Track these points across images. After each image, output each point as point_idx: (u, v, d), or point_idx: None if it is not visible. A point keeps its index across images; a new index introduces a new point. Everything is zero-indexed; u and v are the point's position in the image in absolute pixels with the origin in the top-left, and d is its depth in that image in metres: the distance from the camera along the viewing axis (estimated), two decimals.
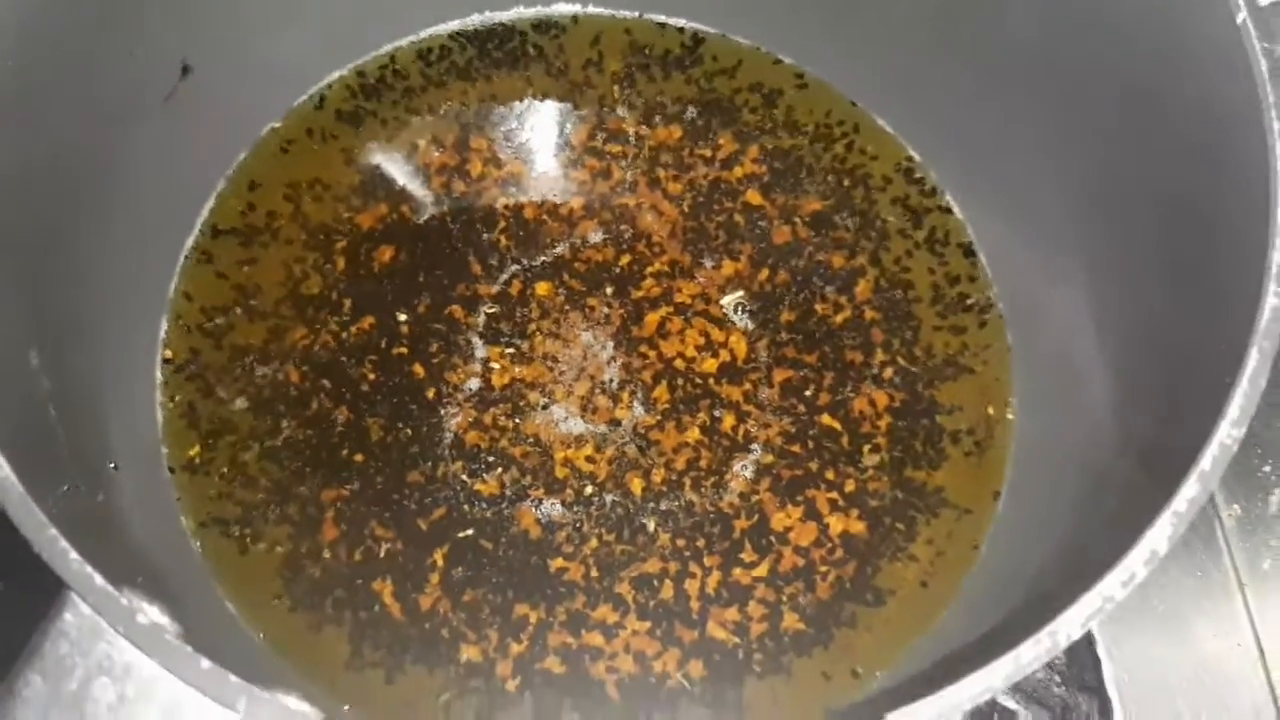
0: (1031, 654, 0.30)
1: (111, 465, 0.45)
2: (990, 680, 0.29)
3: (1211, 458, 0.31)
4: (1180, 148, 0.39)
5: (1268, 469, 0.56)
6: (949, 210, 0.55)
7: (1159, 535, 0.31)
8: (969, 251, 0.54)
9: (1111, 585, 0.30)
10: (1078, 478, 0.44)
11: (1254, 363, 0.32)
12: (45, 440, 0.39)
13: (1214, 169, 0.37)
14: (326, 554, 0.49)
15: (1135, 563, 0.31)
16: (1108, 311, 0.45)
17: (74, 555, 0.31)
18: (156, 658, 0.30)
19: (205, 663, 0.30)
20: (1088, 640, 0.53)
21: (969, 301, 0.54)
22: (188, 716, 0.30)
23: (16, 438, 0.33)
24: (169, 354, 0.51)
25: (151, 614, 0.30)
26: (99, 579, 0.30)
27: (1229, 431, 0.32)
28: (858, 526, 0.50)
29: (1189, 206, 0.39)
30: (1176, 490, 0.31)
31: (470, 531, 0.49)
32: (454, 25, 0.57)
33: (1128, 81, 0.43)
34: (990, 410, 0.52)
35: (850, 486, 0.51)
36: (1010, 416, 0.52)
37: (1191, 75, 0.39)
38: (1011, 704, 0.49)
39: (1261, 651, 0.53)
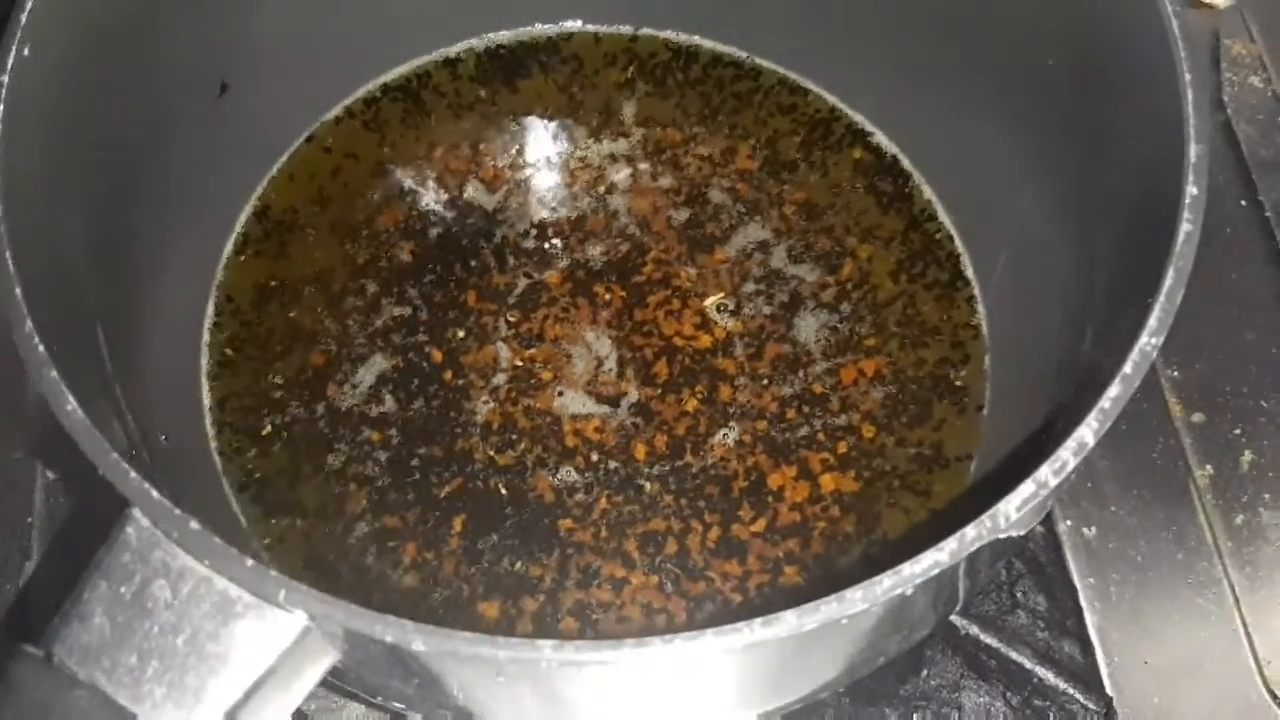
0: (974, 533, 0.33)
1: (163, 437, 0.50)
2: (939, 556, 0.33)
3: (1133, 362, 0.35)
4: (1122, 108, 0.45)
5: (1237, 432, 0.60)
6: (927, 196, 0.60)
7: (1086, 430, 0.35)
8: (945, 231, 0.59)
9: (1045, 473, 0.34)
10: (1048, 415, 0.48)
11: (1170, 281, 0.36)
12: (112, 414, 0.44)
13: (1138, 103, 0.42)
14: (354, 522, 0.53)
15: (1066, 453, 0.34)
16: (1064, 263, 0.50)
17: (133, 474, 0.35)
18: (206, 560, 0.34)
19: (249, 561, 0.34)
20: (1070, 591, 0.56)
21: (948, 276, 0.58)
22: (236, 609, 0.34)
23: (89, 406, 0.37)
24: (210, 344, 0.56)
25: None
26: (155, 494, 0.35)
27: (1148, 340, 0.36)
28: (850, 485, 0.54)
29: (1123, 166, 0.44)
30: (1104, 391, 0.35)
31: (486, 499, 0.53)
32: (470, 43, 0.63)
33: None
34: (970, 370, 0.56)
35: (842, 448, 0.55)
36: (986, 369, 0.56)
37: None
38: (996, 642, 0.52)
39: (1236, 599, 0.57)
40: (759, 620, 0.32)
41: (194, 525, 0.34)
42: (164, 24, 0.49)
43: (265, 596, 0.34)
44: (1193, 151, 0.38)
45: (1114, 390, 0.35)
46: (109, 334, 0.46)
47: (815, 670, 0.44)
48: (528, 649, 0.33)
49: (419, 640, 0.33)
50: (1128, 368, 0.35)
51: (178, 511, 0.35)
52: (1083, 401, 0.39)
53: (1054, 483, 0.34)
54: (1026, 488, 0.34)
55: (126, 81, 0.48)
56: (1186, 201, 0.37)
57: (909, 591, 0.33)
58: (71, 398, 0.36)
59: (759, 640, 0.32)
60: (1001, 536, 0.34)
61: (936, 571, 0.33)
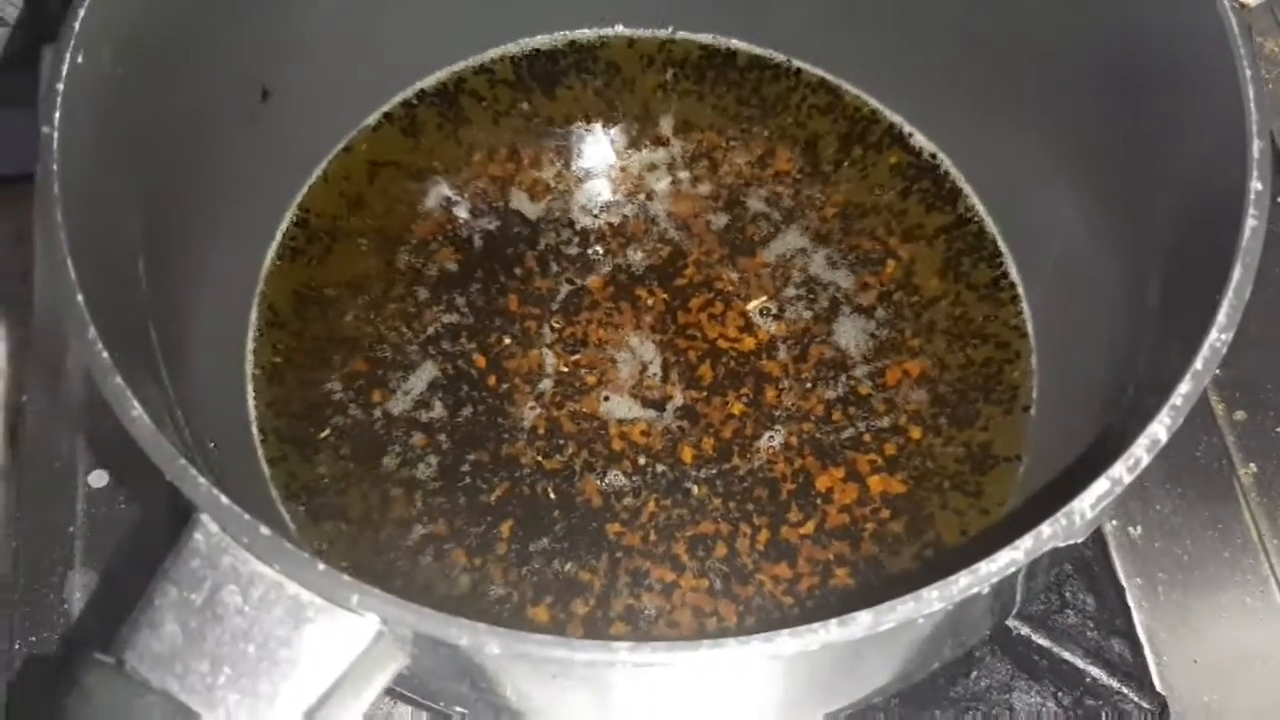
0: (1050, 530, 0.33)
1: (212, 444, 0.50)
2: (1014, 555, 0.33)
3: (1203, 359, 0.35)
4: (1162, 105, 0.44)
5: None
6: (968, 197, 0.60)
7: (1159, 426, 0.35)
8: (988, 232, 0.59)
9: (1119, 470, 0.34)
10: (1098, 414, 0.48)
11: (1238, 276, 0.36)
12: (169, 420, 0.44)
13: (1193, 101, 0.42)
14: (402, 527, 0.53)
15: (1139, 449, 0.34)
16: (1112, 263, 0.50)
17: (202, 480, 0.35)
18: (277, 565, 0.34)
19: (321, 566, 0.34)
20: (1118, 590, 0.56)
21: (991, 276, 0.58)
22: (307, 614, 0.34)
23: (150, 413, 0.37)
24: (256, 351, 0.56)
25: None
26: (224, 499, 0.35)
27: (1218, 336, 0.36)
28: (898, 486, 0.54)
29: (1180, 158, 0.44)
30: (1174, 389, 0.35)
31: (534, 503, 0.53)
32: (506, 48, 0.63)
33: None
34: (1016, 370, 0.56)
35: (889, 449, 0.54)
36: (1033, 368, 0.56)
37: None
38: (1047, 642, 0.52)
39: None
40: (835, 620, 0.32)
41: (264, 530, 0.34)
42: (207, 32, 0.49)
43: (338, 601, 0.34)
44: (1256, 148, 0.38)
45: (1185, 387, 0.35)
46: (161, 340, 0.46)
47: (869, 675, 0.44)
48: (604, 651, 0.32)
49: (494, 643, 0.33)
50: (1199, 364, 0.35)
51: (247, 517, 0.34)
52: (1143, 401, 0.39)
53: (1128, 480, 0.34)
54: (1100, 485, 0.34)
55: (172, 88, 0.48)
56: (1252, 198, 0.37)
57: (984, 590, 0.33)
58: (137, 404, 0.36)
59: (835, 640, 0.32)
60: (1074, 540, 0.34)
61: (1012, 570, 0.33)
